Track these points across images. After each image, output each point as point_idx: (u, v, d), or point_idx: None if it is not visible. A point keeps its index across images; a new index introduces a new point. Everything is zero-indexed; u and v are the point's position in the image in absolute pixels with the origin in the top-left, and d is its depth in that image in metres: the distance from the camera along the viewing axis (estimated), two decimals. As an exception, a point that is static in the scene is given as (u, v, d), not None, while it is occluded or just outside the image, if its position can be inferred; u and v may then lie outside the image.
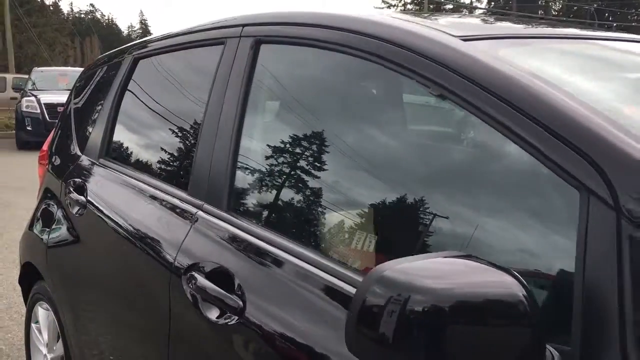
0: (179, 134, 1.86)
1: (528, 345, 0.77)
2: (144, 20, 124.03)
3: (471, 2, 55.96)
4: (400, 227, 1.19)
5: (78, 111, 2.59)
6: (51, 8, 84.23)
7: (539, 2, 50.37)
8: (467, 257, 0.83)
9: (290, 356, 1.16)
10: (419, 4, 50.14)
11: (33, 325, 2.58)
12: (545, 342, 0.80)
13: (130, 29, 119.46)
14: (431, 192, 1.15)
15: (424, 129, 1.34)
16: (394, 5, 56.23)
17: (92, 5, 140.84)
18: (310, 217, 1.37)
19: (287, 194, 1.45)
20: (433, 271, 0.79)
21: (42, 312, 2.48)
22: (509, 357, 0.76)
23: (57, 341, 2.35)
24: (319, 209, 1.36)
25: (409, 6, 55.78)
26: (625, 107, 1.13)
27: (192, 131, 1.74)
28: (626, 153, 0.85)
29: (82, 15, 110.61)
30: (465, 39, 1.19)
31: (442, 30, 1.22)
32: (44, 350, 2.46)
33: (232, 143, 1.50)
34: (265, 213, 1.48)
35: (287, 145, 1.46)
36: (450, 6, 53.39)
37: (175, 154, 1.86)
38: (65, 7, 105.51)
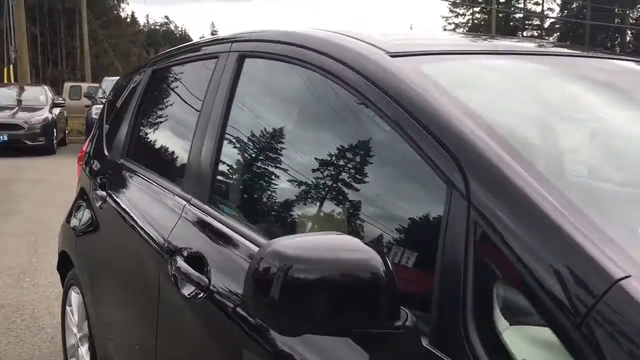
0: (179, 137, 2.09)
1: (383, 307, 0.94)
2: (214, 31, 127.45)
3: (542, 11, 54.68)
4: (330, 216, 1.36)
5: (109, 117, 2.89)
6: (128, 20, 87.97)
7: (615, 10, 48.63)
8: (344, 235, 1.00)
9: (246, 327, 1.35)
10: (488, 13, 49.46)
11: (67, 308, 2.88)
12: (399, 305, 0.96)
13: (201, 39, 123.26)
14: (346, 187, 1.32)
15: (346, 134, 1.48)
16: (462, 14, 55.73)
17: (166, 17, 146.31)
18: (270, 210, 1.56)
19: (255, 190, 1.65)
20: (313, 246, 0.96)
21: (74, 296, 2.77)
22: (369, 314, 0.93)
23: (84, 321, 2.63)
24: (275, 202, 1.55)
25: (477, 15, 55.11)
26: (508, 117, 1.28)
27: (188, 135, 1.96)
28: (481, 153, 1.00)
29: (157, 27, 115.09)
30: (394, 55, 1.35)
31: (377, 47, 1.39)
32: (75, 330, 2.75)
33: (215, 145, 1.71)
34: (236, 205, 1.69)
35: (258, 149, 1.67)
36: (520, 15, 52.31)
37: (176, 154, 2.10)
38: (141, 19, 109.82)
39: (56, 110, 14.09)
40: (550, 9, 56.18)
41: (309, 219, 1.41)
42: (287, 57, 1.56)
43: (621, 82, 1.65)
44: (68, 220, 2.90)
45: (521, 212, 0.93)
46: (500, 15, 46.17)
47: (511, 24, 53.65)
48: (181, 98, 2.20)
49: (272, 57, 1.66)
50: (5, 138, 12.33)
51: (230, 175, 1.73)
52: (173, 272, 1.61)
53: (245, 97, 1.78)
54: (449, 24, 63.08)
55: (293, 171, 1.52)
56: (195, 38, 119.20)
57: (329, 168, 1.38)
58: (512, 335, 0.89)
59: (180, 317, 1.63)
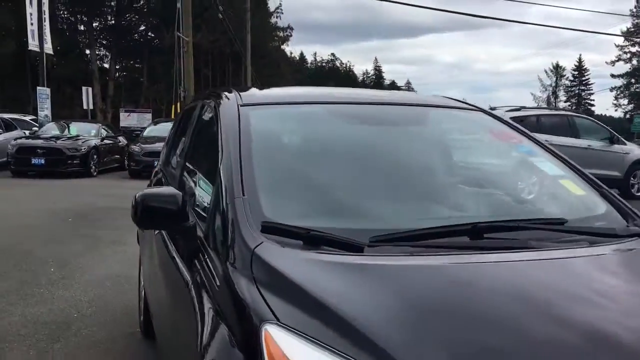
0: (180, 156, 3.23)
1: (182, 215, 1.98)
2: (378, 66, 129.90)
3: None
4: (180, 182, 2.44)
5: (168, 138, 4.13)
6: (297, 58, 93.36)
7: None
8: (169, 187, 2.05)
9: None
10: None
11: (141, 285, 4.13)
12: (188, 215, 1.99)
13: (365, 75, 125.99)
14: (189, 172, 2.39)
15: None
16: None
17: (332, 54, 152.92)
18: (190, 190, 2.62)
19: (180, 180, 2.76)
20: (156, 191, 2.04)
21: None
22: (178, 219, 1.98)
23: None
24: (190, 184, 2.62)
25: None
26: (272, 141, 2.28)
27: (182, 155, 3.09)
28: (228, 158, 2.02)
29: (324, 64, 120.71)
30: (244, 105, 2.36)
31: (237, 99, 2.42)
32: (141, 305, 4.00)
33: (182, 161, 2.85)
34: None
35: (183, 160, 2.83)
36: None
37: (180, 165, 3.24)
38: (309, 57, 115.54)
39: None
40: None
41: (174, 183, 2.53)
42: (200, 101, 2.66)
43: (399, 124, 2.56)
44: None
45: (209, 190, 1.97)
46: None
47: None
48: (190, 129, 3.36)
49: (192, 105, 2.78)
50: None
51: (174, 172, 2.86)
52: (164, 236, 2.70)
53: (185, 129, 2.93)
54: (624, 52, 59.74)
55: (185, 168, 2.61)
56: (359, 74, 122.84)
57: (191, 163, 2.45)
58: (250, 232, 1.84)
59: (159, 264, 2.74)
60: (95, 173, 15.84)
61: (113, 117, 36.46)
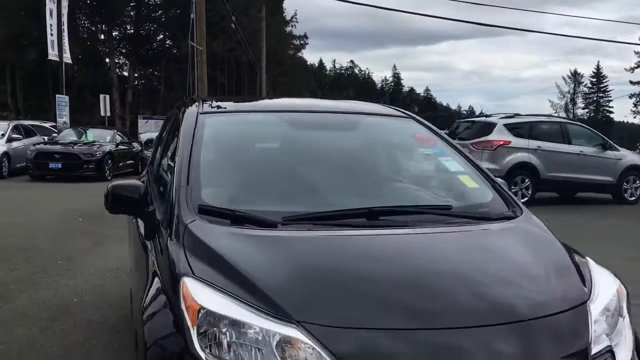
0: (157, 155, 3.76)
1: (145, 202, 2.52)
2: (396, 73, 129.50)
3: None
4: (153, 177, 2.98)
5: (155, 140, 4.68)
6: (316, 65, 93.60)
7: None
8: (134, 180, 2.59)
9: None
10: None
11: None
12: (149, 202, 2.52)
13: (383, 82, 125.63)
14: (163, 170, 2.92)
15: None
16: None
17: (352, 61, 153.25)
18: (158, 183, 3.15)
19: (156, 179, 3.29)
20: (123, 183, 2.59)
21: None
22: (141, 205, 2.52)
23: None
24: (159, 178, 3.15)
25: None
26: (220, 140, 2.79)
27: (159, 154, 3.62)
28: (182, 155, 2.55)
29: (342, 71, 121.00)
30: (203, 113, 2.90)
31: (199, 108, 2.96)
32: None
33: (159, 159, 3.39)
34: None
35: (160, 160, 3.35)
36: None
37: (157, 162, 3.75)
38: (328, 64, 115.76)
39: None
40: None
41: (152, 178, 3.07)
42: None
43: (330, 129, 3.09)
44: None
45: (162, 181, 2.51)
46: None
47: None
48: (162, 134, 3.89)
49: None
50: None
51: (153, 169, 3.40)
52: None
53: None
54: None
55: (159, 166, 3.14)
56: (378, 81, 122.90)
57: (162, 161, 2.98)
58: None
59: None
60: (109, 177, 16.50)
61: (131, 123, 37.44)
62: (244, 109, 3.37)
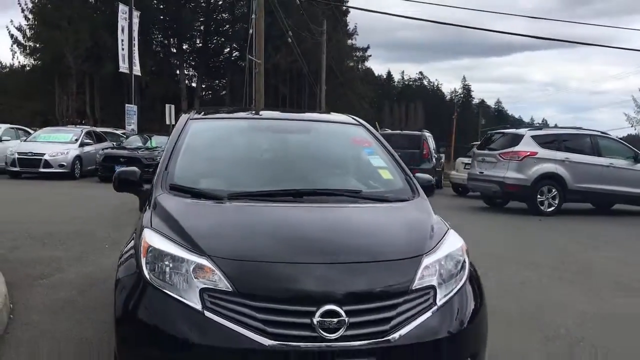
0: None
1: (140, 181, 3.55)
2: (466, 85, 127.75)
3: None
4: None
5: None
6: (383, 77, 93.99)
7: None
8: (133, 168, 3.60)
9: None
10: None
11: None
12: (143, 181, 3.51)
13: (452, 94, 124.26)
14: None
15: None
16: None
17: (420, 72, 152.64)
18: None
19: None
20: (127, 169, 3.64)
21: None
22: (139, 184, 3.57)
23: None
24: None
25: None
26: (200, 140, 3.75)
27: None
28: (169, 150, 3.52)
29: (410, 83, 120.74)
30: (192, 118, 3.87)
31: (191, 115, 3.94)
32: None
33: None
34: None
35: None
36: None
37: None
38: (396, 76, 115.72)
39: None
40: None
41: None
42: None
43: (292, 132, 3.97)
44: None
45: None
46: None
47: None
48: None
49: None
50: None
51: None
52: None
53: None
54: None
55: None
56: (447, 93, 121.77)
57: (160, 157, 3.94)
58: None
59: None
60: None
61: (197, 132, 39.41)
62: (224, 117, 4.33)
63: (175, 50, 46.61)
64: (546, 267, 7.31)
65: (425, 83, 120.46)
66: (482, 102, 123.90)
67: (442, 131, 74.13)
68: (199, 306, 2.55)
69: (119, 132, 24.90)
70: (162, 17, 43.96)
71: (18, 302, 4.94)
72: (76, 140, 19.03)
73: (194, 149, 3.76)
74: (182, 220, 2.94)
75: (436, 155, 18.76)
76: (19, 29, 44.25)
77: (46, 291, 5.36)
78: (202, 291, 2.58)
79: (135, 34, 23.82)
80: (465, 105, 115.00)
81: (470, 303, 2.87)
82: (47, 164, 17.81)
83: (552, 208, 12.54)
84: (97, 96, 43.83)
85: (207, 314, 2.52)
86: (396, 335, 2.54)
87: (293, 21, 38.32)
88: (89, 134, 20.22)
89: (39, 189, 15.52)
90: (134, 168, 3.76)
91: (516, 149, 12.60)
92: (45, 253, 6.94)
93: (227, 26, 46.51)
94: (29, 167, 17.79)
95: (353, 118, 4.38)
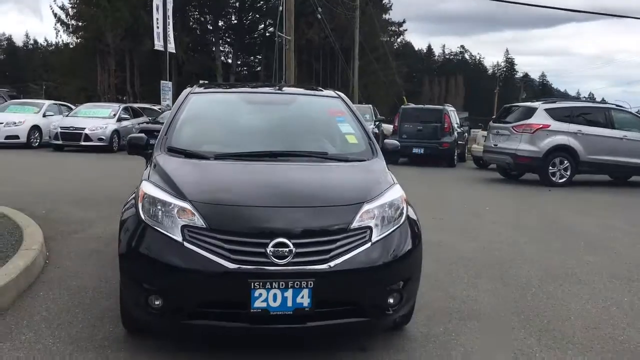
0: None
1: (144, 147, 4.39)
2: (509, 58, 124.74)
3: None
4: None
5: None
6: (423, 51, 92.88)
7: None
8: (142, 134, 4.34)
9: None
10: None
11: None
12: (149, 148, 4.27)
13: (495, 68, 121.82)
14: None
15: None
16: None
17: (462, 46, 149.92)
18: None
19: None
20: (134, 135, 4.35)
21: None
22: (142, 149, 4.35)
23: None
24: None
25: None
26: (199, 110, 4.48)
27: None
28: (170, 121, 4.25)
29: (451, 57, 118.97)
30: (193, 92, 4.60)
31: (193, 89, 4.66)
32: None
33: None
34: None
35: None
36: None
37: None
38: (437, 49, 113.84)
39: None
40: None
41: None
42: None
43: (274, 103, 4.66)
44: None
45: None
46: None
47: None
48: None
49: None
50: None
51: None
52: None
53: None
54: None
55: None
56: (490, 67, 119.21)
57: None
58: None
59: None
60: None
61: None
62: (221, 91, 5.02)
63: (211, 27, 47.51)
64: (534, 229, 7.84)
65: (467, 57, 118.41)
66: (526, 75, 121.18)
67: (482, 105, 73.12)
68: (180, 239, 3.26)
69: (155, 107, 25.92)
70: (198, -6, 44.97)
71: (53, 251, 5.79)
72: (114, 115, 20.06)
73: (191, 118, 4.46)
74: (172, 175, 3.65)
75: (459, 130, 19.09)
76: (62, 7, 45.87)
77: (77, 243, 6.21)
78: (183, 227, 3.29)
79: (170, 13, 24.68)
80: (507, 79, 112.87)
81: (405, 241, 3.51)
82: (87, 138, 18.88)
83: (564, 179, 12.90)
84: (136, 73, 45.19)
85: (186, 244, 3.24)
86: (332, 263, 3.21)
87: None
88: (126, 110, 21.24)
89: (78, 160, 16.60)
90: (142, 135, 4.49)
91: (528, 121, 12.96)
92: (79, 214, 7.81)
93: (262, 2, 47.11)
94: (71, 141, 18.90)
95: (335, 92, 5.01)
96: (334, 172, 3.90)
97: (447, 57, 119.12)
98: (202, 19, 47.55)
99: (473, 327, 4.12)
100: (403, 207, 3.64)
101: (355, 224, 3.37)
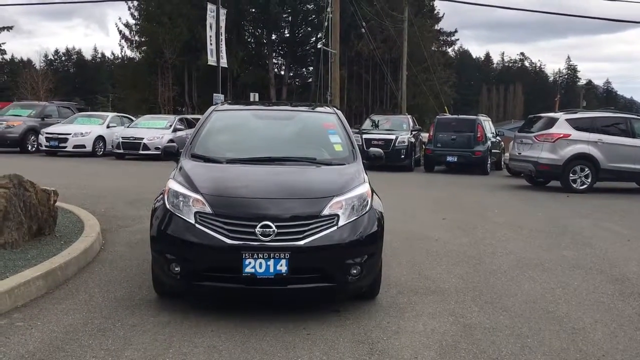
0: None
1: (175, 154, 5.55)
2: (571, 64, 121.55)
3: None
4: None
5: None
6: (481, 59, 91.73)
7: None
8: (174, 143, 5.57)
9: None
10: None
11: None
12: (179, 155, 5.48)
13: (556, 75, 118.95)
14: None
15: None
16: None
17: (522, 54, 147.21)
18: None
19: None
20: (167, 144, 5.60)
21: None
22: (174, 155, 5.55)
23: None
24: None
25: None
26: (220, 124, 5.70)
27: None
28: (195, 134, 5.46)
29: (511, 65, 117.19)
30: (217, 110, 5.82)
31: (217, 106, 5.86)
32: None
33: None
34: None
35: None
36: None
37: None
38: (496, 57, 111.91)
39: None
40: None
41: None
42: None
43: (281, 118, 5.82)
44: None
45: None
46: None
47: None
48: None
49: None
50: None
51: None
52: None
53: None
54: None
55: None
56: (551, 74, 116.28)
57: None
58: None
59: None
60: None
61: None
62: (238, 108, 6.20)
63: (265, 41, 49.39)
64: (530, 230, 8.64)
65: (527, 64, 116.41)
66: (590, 82, 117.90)
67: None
68: (193, 222, 4.42)
69: (209, 118, 27.59)
70: (252, 10, 46.85)
71: (108, 240, 7.08)
72: (170, 126, 21.71)
73: (212, 130, 5.63)
74: (191, 174, 4.82)
75: (494, 139, 19.74)
76: (126, 25, 48.78)
77: (127, 235, 7.49)
78: (196, 213, 4.45)
79: (223, 30, 26.30)
80: (569, 86, 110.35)
81: (368, 227, 4.56)
82: (146, 147, 20.55)
83: (585, 186, 13.48)
84: (194, 85, 47.47)
85: (197, 226, 4.39)
86: (304, 241, 4.29)
87: (375, 9, 39.69)
88: (181, 121, 22.88)
89: (137, 167, 18.23)
90: (174, 144, 5.70)
91: (550, 131, 13.63)
92: (132, 212, 9.15)
93: (313, 16, 48.62)
94: (131, 150, 20.62)
95: (332, 109, 6.11)
96: (316, 173, 4.98)
97: (506, 64, 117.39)
98: (257, 33, 49.53)
99: (433, 299, 5.10)
100: (368, 200, 4.69)
101: (325, 212, 4.44)
